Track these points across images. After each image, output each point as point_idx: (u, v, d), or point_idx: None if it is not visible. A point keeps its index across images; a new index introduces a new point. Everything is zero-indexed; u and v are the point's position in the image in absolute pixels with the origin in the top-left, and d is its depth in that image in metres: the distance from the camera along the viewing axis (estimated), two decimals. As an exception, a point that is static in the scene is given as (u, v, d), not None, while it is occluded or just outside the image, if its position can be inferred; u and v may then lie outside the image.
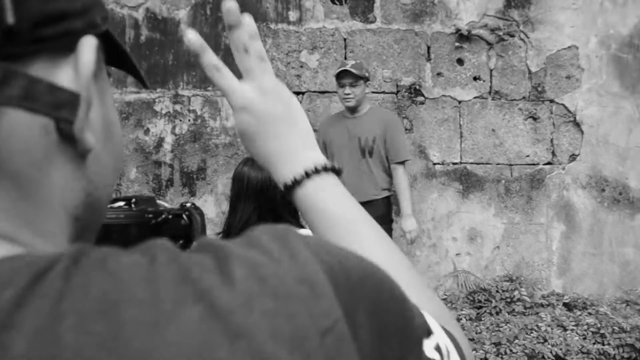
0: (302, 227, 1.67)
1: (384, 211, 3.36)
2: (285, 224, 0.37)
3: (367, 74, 3.33)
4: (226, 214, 1.76)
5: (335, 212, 0.53)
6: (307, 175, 0.53)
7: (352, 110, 3.36)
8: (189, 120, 3.84)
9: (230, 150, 3.86)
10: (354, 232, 0.52)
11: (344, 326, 0.32)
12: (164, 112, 3.82)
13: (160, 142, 3.81)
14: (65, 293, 0.28)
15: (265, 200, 1.65)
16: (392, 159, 3.34)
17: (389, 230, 3.34)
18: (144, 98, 3.81)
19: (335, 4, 3.98)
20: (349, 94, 3.27)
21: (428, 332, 0.41)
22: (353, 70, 3.22)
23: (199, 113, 3.84)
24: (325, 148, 3.45)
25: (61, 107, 0.33)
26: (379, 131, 3.32)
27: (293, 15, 3.95)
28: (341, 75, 3.26)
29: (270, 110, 0.55)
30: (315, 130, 3.71)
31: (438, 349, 0.40)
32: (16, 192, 0.33)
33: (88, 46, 0.35)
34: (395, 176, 3.36)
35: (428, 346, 0.40)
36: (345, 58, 3.93)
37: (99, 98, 0.38)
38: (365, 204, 3.34)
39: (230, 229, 1.69)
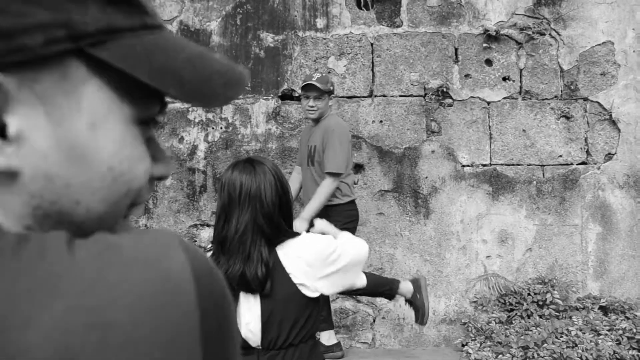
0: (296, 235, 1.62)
1: (347, 215, 3.34)
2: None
3: (331, 88, 3.39)
4: (216, 225, 1.61)
5: None
6: None
7: (315, 121, 3.44)
8: (221, 128, 3.98)
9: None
10: None
11: (197, 330, 0.34)
12: (197, 120, 3.98)
13: (193, 149, 3.97)
14: None
15: (261, 207, 1.54)
16: (322, 168, 3.30)
17: (353, 230, 3.22)
18: (178, 108, 3.98)
19: (362, 9, 4.02)
20: (312, 107, 3.35)
21: None
22: (317, 85, 3.30)
23: (230, 121, 3.98)
24: None
25: None
26: (320, 140, 3.32)
27: (320, 22, 4.02)
28: (306, 88, 3.35)
29: None
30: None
31: None
32: None
33: None
34: (321, 184, 3.27)
35: None
36: (373, 63, 3.97)
37: (52, 120, 0.37)
38: (327, 209, 3.21)
39: (225, 241, 1.56)
